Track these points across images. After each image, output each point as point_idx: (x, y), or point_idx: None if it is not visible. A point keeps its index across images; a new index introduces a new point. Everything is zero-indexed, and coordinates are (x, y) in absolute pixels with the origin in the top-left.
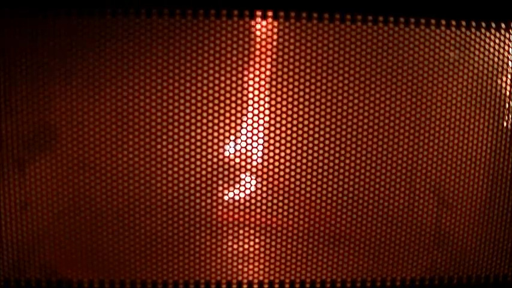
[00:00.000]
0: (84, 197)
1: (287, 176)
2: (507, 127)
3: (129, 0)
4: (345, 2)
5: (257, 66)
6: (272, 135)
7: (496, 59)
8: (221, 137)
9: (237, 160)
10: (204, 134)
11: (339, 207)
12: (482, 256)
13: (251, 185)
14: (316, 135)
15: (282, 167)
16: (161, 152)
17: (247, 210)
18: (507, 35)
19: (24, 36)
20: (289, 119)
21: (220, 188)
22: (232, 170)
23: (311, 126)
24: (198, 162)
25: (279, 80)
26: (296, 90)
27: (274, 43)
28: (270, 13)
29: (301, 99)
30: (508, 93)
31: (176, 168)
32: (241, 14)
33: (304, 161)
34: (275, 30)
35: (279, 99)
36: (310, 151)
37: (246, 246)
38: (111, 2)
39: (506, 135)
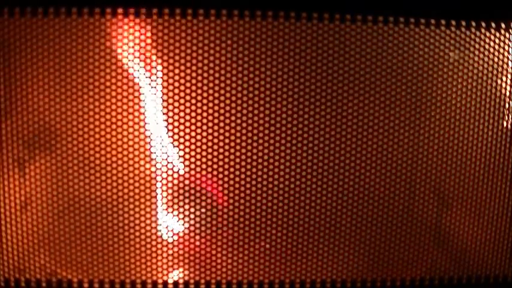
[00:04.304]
0: (84, 197)
1: (287, 176)
2: (507, 127)
3: None
4: (344, 2)
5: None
6: (274, 134)
7: (496, 59)
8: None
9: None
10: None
11: (339, 207)
12: (482, 256)
13: (251, 185)
14: (317, 136)
15: (282, 167)
16: (161, 152)
17: (247, 210)
18: (507, 35)
19: (24, 36)
20: (290, 118)
21: (220, 188)
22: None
23: (311, 126)
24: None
25: (279, 79)
26: (296, 90)
27: (274, 44)
28: (270, 13)
29: (300, 99)
30: (508, 93)
31: (176, 168)
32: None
33: (305, 160)
34: (272, 30)
35: (278, 98)
36: (310, 151)
37: (246, 246)
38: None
39: (506, 135)
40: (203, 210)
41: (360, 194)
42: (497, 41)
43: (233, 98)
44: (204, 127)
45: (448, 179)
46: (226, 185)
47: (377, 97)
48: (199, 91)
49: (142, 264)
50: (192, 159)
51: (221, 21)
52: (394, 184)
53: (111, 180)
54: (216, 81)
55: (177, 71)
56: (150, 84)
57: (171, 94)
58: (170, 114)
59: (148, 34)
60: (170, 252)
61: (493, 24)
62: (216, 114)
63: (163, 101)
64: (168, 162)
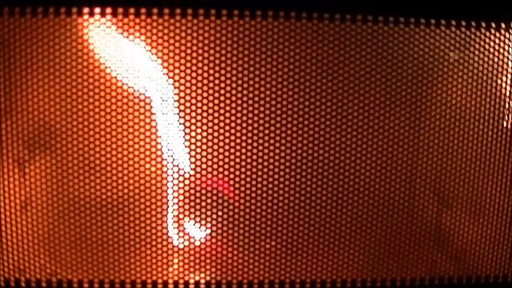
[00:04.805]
0: (84, 197)
1: (287, 176)
2: (507, 127)
3: None
4: (344, 2)
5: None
6: (271, 134)
7: (496, 59)
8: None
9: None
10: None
11: (339, 207)
12: (482, 256)
13: (251, 185)
14: (317, 136)
15: (282, 167)
16: (161, 152)
17: (247, 210)
18: (507, 35)
19: (24, 36)
20: (290, 118)
21: (220, 188)
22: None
23: (311, 126)
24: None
25: (279, 79)
26: (296, 90)
27: (275, 44)
28: (270, 13)
29: (301, 99)
30: (508, 93)
31: (176, 168)
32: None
33: (305, 161)
34: (273, 29)
35: (278, 98)
36: (310, 151)
37: (246, 246)
38: None
39: (506, 135)
40: (203, 210)
41: (360, 194)
42: (497, 41)
43: (233, 98)
44: (205, 127)
45: (448, 179)
46: (225, 186)
47: (377, 97)
48: (199, 91)
49: (142, 265)
50: (192, 159)
51: (221, 21)
52: (394, 184)
53: (111, 180)
54: (216, 81)
55: (177, 71)
56: (150, 84)
57: (171, 94)
58: (170, 114)
59: (149, 34)
60: (170, 252)
61: (493, 24)
62: (216, 114)
63: (163, 100)
64: (168, 162)
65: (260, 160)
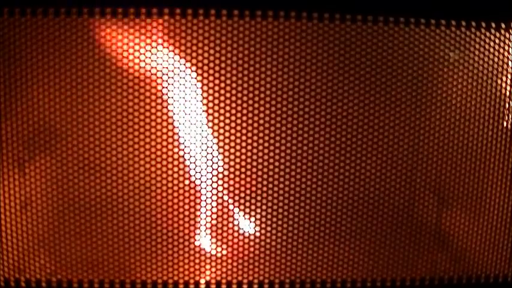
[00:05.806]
0: (84, 197)
1: (287, 176)
2: (507, 127)
3: None
4: (344, 2)
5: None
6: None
7: (496, 59)
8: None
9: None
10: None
11: (339, 207)
12: (482, 256)
13: (251, 185)
14: (316, 135)
15: (282, 167)
16: (161, 152)
17: (247, 210)
18: (507, 35)
19: (24, 36)
20: (290, 118)
21: (220, 188)
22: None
23: (311, 126)
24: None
25: (279, 79)
26: (296, 90)
27: (275, 44)
28: (270, 13)
29: (301, 99)
30: (508, 93)
31: (176, 168)
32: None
33: (305, 161)
34: (273, 29)
35: (278, 98)
36: (310, 151)
37: (247, 246)
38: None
39: (506, 135)
40: (203, 210)
41: (360, 194)
42: (497, 41)
43: (233, 98)
44: (204, 127)
45: (448, 179)
46: (225, 185)
47: (377, 97)
48: (199, 91)
49: (143, 265)
50: (192, 159)
51: (221, 21)
52: (394, 184)
53: (110, 180)
54: (216, 81)
55: (177, 71)
56: (149, 84)
57: (171, 94)
58: (169, 114)
59: (148, 34)
60: (170, 252)
61: (493, 24)
62: (216, 114)
63: (162, 100)
64: (168, 162)
65: (260, 160)
